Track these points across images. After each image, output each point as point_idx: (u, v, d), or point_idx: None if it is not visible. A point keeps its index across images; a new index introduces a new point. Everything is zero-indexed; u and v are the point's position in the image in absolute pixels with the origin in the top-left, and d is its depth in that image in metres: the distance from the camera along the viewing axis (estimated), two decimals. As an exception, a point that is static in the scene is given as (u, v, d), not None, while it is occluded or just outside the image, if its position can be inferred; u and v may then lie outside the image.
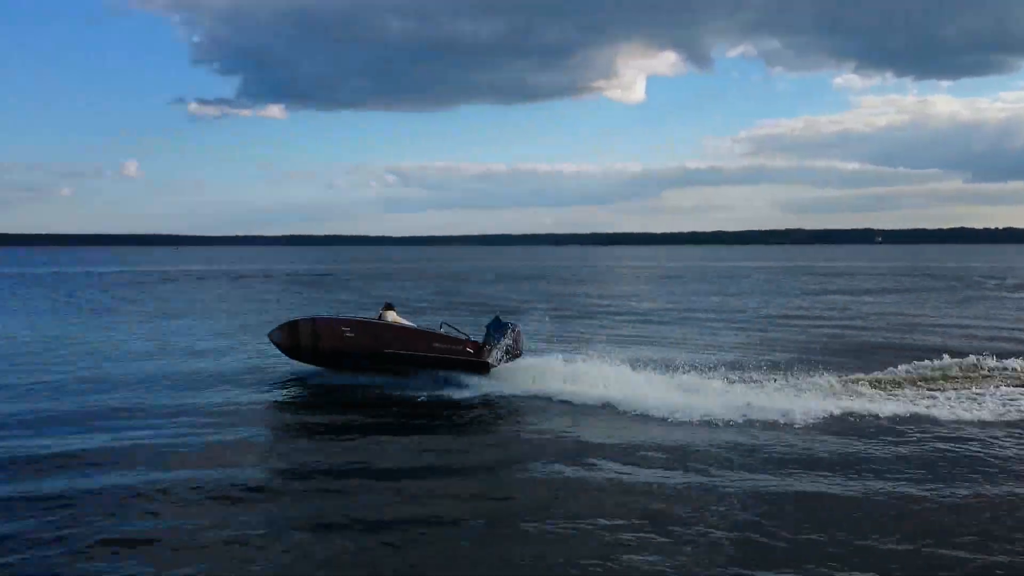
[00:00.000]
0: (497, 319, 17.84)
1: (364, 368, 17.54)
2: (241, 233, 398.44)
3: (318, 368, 18.61)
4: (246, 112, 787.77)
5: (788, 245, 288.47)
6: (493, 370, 16.61)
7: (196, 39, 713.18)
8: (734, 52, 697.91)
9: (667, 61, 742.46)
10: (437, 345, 16.75)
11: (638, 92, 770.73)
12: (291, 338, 18.52)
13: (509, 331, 17.22)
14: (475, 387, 16.41)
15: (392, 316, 17.84)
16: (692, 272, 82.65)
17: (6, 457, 11.96)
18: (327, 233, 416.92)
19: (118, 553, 8.47)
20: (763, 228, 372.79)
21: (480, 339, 16.90)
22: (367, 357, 17.33)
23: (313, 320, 18.44)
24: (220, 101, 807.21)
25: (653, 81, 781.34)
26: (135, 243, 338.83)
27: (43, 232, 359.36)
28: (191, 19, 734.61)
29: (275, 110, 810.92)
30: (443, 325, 18.16)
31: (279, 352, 19.14)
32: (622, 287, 57.74)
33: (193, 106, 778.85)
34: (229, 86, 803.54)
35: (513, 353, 17.22)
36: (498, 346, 16.82)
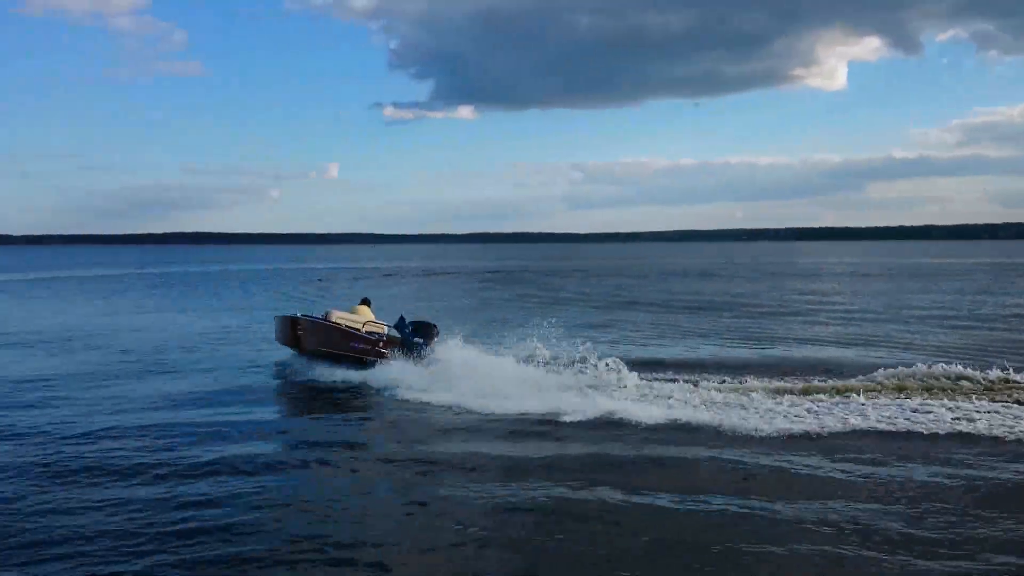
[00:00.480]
0: (401, 319, 19.35)
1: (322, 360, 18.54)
2: (433, 231, 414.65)
3: None
4: (438, 114, 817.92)
5: (1007, 240, 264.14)
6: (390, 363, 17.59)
7: (393, 45, 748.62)
8: (943, 36, 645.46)
9: (870, 47, 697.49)
10: (354, 345, 18.14)
11: (839, 80, 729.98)
12: (277, 332, 20.30)
13: (410, 330, 18.75)
14: None
15: (365, 311, 19.29)
16: (900, 269, 77.48)
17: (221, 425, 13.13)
18: (514, 230, 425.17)
19: (293, 514, 9.04)
20: (978, 222, 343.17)
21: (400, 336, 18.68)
22: (315, 353, 18.58)
23: (285, 318, 19.86)
24: (414, 104, 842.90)
25: (855, 68, 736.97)
26: (335, 241, 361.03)
27: (255, 231, 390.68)
28: (389, 26, 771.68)
29: (466, 111, 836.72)
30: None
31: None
32: (822, 284, 54.83)
33: (389, 110, 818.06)
34: (423, 89, 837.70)
35: (419, 350, 17.93)
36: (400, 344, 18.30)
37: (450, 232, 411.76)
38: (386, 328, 19.27)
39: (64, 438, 12.82)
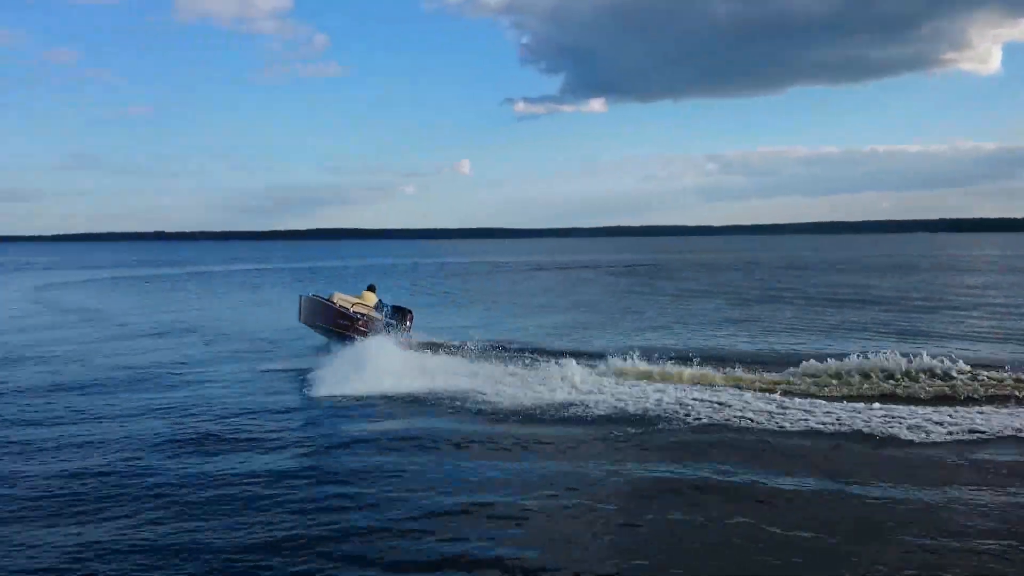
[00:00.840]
0: (379, 302, 21.81)
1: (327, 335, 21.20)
2: (563, 225, 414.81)
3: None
4: (569, 108, 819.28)
5: None
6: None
7: (524, 40, 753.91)
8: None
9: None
10: (339, 321, 20.49)
11: (993, 63, 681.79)
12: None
13: (387, 312, 21.45)
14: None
15: (368, 296, 21.61)
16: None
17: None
18: (646, 223, 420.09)
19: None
20: None
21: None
22: (312, 326, 21.71)
23: (301, 297, 22.43)
24: (545, 99, 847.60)
25: (1010, 50, 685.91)
26: (466, 236, 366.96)
27: (390, 227, 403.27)
28: (520, 21, 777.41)
29: (596, 104, 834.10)
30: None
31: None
32: (976, 278, 51.18)
33: (520, 105, 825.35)
34: (554, 83, 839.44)
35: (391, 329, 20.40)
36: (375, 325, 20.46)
37: (581, 226, 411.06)
38: (381, 313, 21.44)
39: (219, 416, 13.63)
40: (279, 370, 18.28)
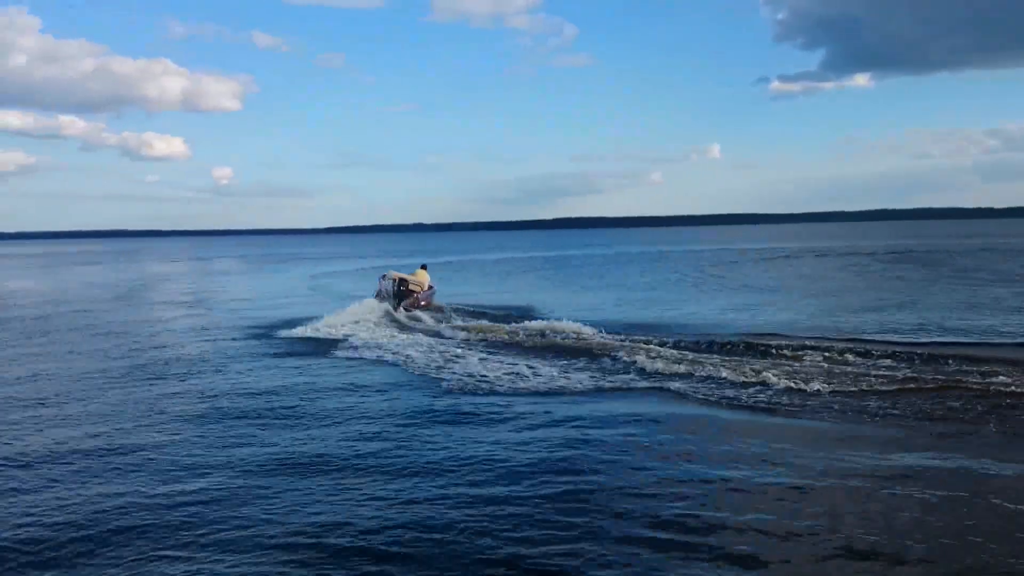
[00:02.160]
0: (403, 280, 27.67)
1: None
2: (823, 209, 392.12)
3: None
4: (829, 85, 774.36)
5: None
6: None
7: (780, 16, 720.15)
8: None
9: None
10: (396, 290, 27.00)
11: None
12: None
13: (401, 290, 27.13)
14: None
15: (421, 274, 28.30)
16: None
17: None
18: (915, 206, 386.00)
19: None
20: None
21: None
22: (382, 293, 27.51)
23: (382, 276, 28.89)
24: (802, 76, 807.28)
25: None
26: (718, 223, 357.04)
27: (637, 215, 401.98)
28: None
29: (861, 79, 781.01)
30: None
31: None
32: None
33: (775, 84, 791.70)
34: (812, 60, 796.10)
35: (409, 303, 26.37)
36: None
37: (842, 210, 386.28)
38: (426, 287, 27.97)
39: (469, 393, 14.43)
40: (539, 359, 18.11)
